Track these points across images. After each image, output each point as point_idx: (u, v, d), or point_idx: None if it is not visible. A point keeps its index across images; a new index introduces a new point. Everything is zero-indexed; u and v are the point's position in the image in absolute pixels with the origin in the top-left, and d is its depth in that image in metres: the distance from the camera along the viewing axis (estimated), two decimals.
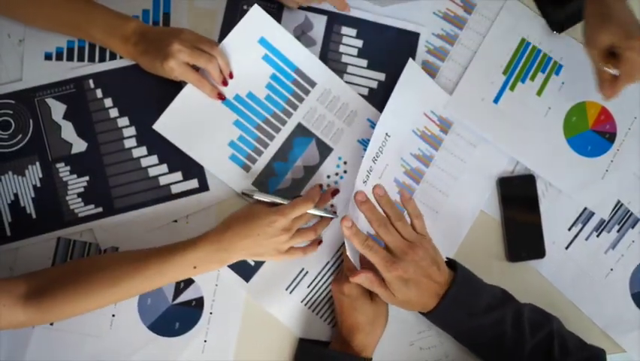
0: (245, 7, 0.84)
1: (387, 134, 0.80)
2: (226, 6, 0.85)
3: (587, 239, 0.86)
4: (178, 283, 0.80)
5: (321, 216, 0.80)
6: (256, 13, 0.81)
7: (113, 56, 0.83)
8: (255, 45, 0.82)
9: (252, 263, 0.81)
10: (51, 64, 0.82)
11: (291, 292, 0.82)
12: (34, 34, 0.81)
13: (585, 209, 0.86)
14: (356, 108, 0.84)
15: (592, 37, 0.75)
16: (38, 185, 0.80)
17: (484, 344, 0.75)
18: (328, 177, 0.83)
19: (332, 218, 0.81)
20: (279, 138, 0.83)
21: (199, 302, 0.80)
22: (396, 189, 0.82)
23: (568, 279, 0.85)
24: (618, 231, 0.86)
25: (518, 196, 0.85)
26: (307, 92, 0.83)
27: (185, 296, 0.80)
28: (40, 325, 0.75)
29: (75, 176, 0.81)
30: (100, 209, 0.80)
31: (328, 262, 0.82)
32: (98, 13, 0.78)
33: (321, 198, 0.80)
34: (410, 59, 0.83)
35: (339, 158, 0.84)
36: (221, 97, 0.81)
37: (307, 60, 0.84)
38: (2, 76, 0.81)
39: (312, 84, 0.84)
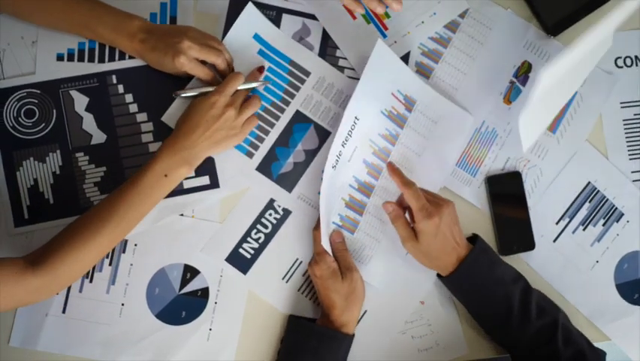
0: None
1: (356, 117, 0.82)
2: (228, 10, 0.87)
3: (573, 232, 0.88)
4: (184, 275, 0.83)
5: (254, 88, 0.84)
6: (250, 10, 0.85)
7: (130, 55, 0.85)
8: (250, 41, 0.86)
9: (249, 256, 0.83)
10: (62, 64, 0.84)
11: (287, 282, 0.85)
12: (47, 36, 0.83)
13: (572, 204, 0.89)
14: (351, 93, 0.84)
15: None
16: (58, 172, 0.83)
17: (490, 316, 0.79)
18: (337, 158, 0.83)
19: (264, 84, 0.84)
20: (279, 125, 0.86)
21: (204, 292, 0.83)
22: (366, 170, 0.85)
23: (556, 270, 0.87)
24: (603, 225, 0.89)
25: (506, 193, 0.87)
26: (303, 82, 0.87)
27: (192, 286, 0.83)
28: (56, 291, 0.77)
29: (93, 166, 0.83)
30: None
31: None
32: (104, 13, 0.80)
33: (250, 74, 0.84)
34: (379, 39, 0.83)
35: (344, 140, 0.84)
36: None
37: (299, 52, 0.87)
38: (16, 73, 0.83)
39: (307, 74, 0.87)
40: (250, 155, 0.85)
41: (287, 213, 0.85)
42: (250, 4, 0.86)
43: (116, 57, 0.85)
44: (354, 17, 0.89)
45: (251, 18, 0.86)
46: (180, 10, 0.87)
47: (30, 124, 0.83)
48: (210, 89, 0.79)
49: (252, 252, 0.84)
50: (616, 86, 0.91)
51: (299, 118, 0.87)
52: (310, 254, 0.85)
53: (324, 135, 0.87)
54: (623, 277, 0.88)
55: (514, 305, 0.77)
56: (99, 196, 0.83)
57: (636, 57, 0.92)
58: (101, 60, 0.85)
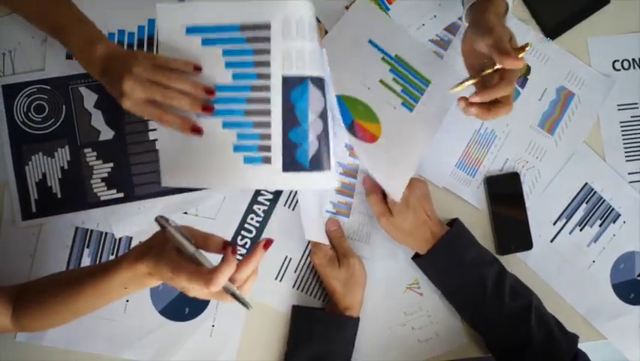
0: None
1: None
2: None
3: (570, 233, 0.90)
4: None
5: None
6: (162, 11, 0.73)
7: None
8: (188, 40, 0.72)
9: None
10: (71, 62, 0.83)
11: (280, 281, 0.85)
12: None
13: (569, 205, 0.90)
14: (327, 14, 0.78)
15: (470, 45, 0.74)
16: (66, 167, 0.84)
17: (464, 297, 0.81)
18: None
19: (246, 306, 0.63)
20: (275, 107, 0.71)
21: None
22: (347, 152, 0.86)
23: (553, 270, 0.89)
24: (600, 225, 0.90)
25: (505, 193, 0.88)
26: (267, 39, 0.71)
27: None
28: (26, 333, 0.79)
29: (101, 161, 0.84)
30: (121, 194, 0.84)
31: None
32: (74, 28, 0.74)
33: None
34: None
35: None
36: (196, 130, 0.70)
37: (241, 10, 0.70)
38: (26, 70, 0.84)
39: (266, 26, 0.70)
40: (267, 160, 0.72)
41: (268, 214, 0.86)
42: (158, 7, 0.73)
43: None
44: None
45: (169, 17, 0.72)
46: None
47: (40, 119, 0.84)
48: (189, 248, 0.61)
49: (241, 258, 0.83)
50: (613, 88, 0.92)
51: (290, 84, 0.71)
52: (299, 250, 0.86)
53: (326, 83, 0.72)
54: (620, 276, 0.90)
55: (488, 286, 0.78)
56: (106, 191, 0.84)
57: (634, 60, 0.93)
58: None
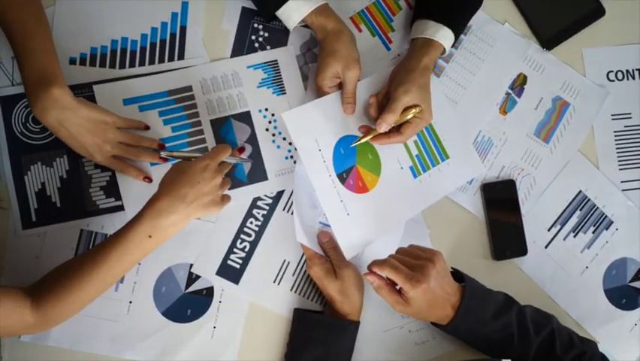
0: (255, 24, 0.90)
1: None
2: (238, 25, 0.90)
3: (564, 239, 0.92)
4: (190, 274, 0.85)
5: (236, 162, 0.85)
6: (100, 90, 0.85)
7: (142, 63, 0.88)
8: (126, 109, 0.86)
9: (237, 266, 0.86)
10: (70, 72, 0.84)
11: (279, 284, 0.87)
12: (60, 41, 0.84)
13: (563, 212, 0.92)
14: (233, 69, 0.88)
15: (394, 75, 0.84)
16: (64, 176, 0.85)
17: (495, 347, 0.80)
18: (267, 129, 0.89)
19: (249, 161, 0.87)
20: (210, 142, 0.87)
21: (209, 291, 0.85)
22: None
23: (547, 275, 0.90)
24: (593, 232, 0.92)
25: (501, 199, 0.90)
26: (192, 98, 0.87)
27: (197, 286, 0.85)
28: (47, 329, 0.77)
29: (99, 170, 0.85)
30: (119, 202, 0.85)
31: None
32: (34, 56, 0.77)
33: (232, 152, 0.82)
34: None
35: (260, 111, 0.89)
36: (148, 179, 0.84)
37: (165, 81, 0.87)
38: None
39: (188, 89, 0.88)
40: None
41: (267, 219, 0.87)
42: (95, 87, 0.85)
43: (127, 65, 0.88)
44: (360, 30, 0.92)
45: (107, 93, 0.86)
46: (190, 21, 0.89)
47: (38, 130, 0.85)
48: (198, 155, 0.78)
49: (240, 261, 0.86)
50: (608, 98, 0.94)
51: (217, 124, 0.88)
52: (296, 254, 0.87)
53: (246, 118, 0.89)
54: (612, 282, 0.92)
55: (514, 332, 0.78)
56: (104, 200, 0.85)
57: (628, 71, 0.95)
58: (112, 65, 0.87)
